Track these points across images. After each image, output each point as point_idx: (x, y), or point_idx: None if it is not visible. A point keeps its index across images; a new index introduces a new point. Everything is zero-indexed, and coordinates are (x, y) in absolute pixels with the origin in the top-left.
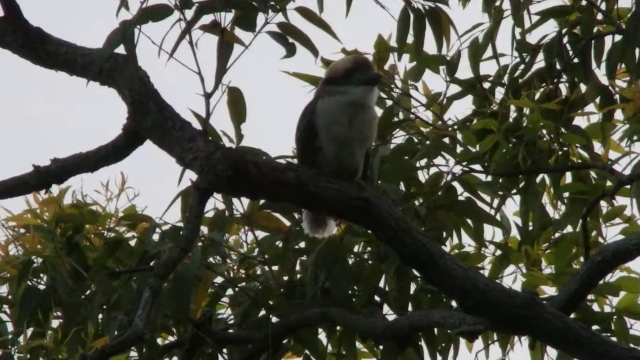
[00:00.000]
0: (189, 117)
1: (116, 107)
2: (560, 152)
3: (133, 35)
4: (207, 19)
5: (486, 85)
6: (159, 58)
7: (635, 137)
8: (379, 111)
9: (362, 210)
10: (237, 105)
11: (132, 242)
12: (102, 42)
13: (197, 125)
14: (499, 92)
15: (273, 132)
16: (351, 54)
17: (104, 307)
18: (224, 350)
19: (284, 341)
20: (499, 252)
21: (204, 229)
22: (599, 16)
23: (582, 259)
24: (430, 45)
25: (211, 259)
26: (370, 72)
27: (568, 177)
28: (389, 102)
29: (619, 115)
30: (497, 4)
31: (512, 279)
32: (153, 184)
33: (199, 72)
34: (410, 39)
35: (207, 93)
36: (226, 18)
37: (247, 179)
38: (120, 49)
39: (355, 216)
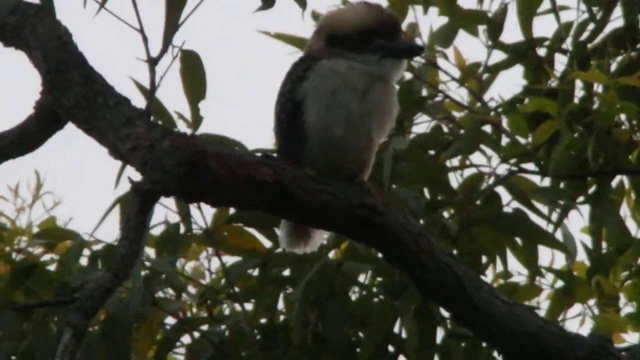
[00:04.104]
0: (129, 91)
1: (28, 71)
2: None
3: None
4: None
5: (542, 52)
6: (84, 9)
7: None
8: None
9: (365, 222)
10: (194, 75)
11: (52, 268)
12: None
13: (140, 102)
14: (560, 62)
15: (244, 115)
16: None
17: (12, 358)
18: None
19: None
20: (560, 284)
21: (150, 252)
22: None
23: None
24: None
25: (160, 293)
26: (401, 37)
27: None
28: (408, 76)
29: None
30: None
31: (579, 321)
32: (81, 185)
33: (141, 29)
34: None
35: (152, 58)
36: None
37: (206, 178)
38: None
39: (355, 231)
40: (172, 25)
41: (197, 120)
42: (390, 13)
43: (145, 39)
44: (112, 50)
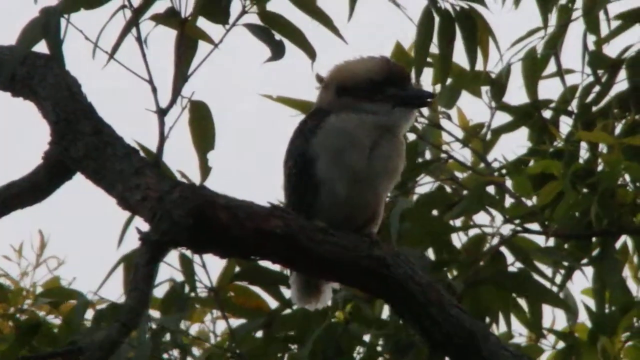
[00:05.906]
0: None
1: (36, 122)
2: None
3: (59, 28)
4: (162, 5)
5: (547, 113)
6: (93, 59)
7: None
8: None
9: (373, 273)
10: (203, 125)
11: (56, 329)
12: (15, 37)
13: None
14: (565, 123)
15: (252, 166)
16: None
17: None
18: None
19: None
20: (562, 345)
21: (155, 314)
22: None
23: None
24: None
25: (165, 356)
26: (412, 86)
27: None
28: (412, 137)
29: None
30: (563, 1)
31: None
32: (84, 243)
33: (150, 80)
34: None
35: (161, 109)
36: (188, 5)
37: (215, 229)
38: (42, 47)
39: (364, 282)
40: (181, 76)
41: (205, 170)
42: (399, 64)
43: (154, 90)
44: (121, 100)
